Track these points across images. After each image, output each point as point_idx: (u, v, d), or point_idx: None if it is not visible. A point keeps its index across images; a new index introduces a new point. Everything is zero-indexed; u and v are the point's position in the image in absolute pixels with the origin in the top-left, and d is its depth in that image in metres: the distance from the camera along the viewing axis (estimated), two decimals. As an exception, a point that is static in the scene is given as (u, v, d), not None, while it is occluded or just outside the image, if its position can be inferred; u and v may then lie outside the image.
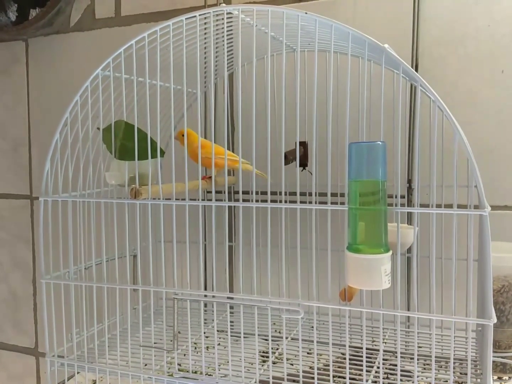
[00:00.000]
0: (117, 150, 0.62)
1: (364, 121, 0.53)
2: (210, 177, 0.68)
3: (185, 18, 0.56)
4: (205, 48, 0.66)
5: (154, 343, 0.65)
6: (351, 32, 0.50)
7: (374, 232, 0.49)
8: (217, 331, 0.62)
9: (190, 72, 0.60)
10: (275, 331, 0.77)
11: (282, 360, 0.67)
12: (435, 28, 0.77)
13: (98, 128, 0.63)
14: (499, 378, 0.64)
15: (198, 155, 0.58)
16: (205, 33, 0.60)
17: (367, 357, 0.55)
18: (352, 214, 0.50)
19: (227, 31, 0.60)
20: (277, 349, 0.72)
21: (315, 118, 0.54)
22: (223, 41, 0.66)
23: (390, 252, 0.50)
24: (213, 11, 0.55)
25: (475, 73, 0.76)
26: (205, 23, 0.58)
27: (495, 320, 0.48)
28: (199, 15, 0.55)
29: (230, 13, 0.56)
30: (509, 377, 0.64)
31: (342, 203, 0.53)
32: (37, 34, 1.05)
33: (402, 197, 0.76)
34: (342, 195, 0.71)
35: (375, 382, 0.60)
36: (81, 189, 0.65)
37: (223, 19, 0.56)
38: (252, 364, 0.65)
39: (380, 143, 0.48)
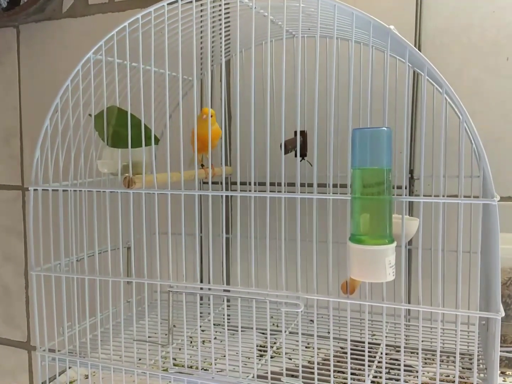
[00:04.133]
0: (109, 137, 0.60)
1: (368, 109, 0.51)
2: (207, 168, 0.66)
3: (181, -1, 0.54)
4: (201, 32, 0.63)
5: (148, 337, 0.64)
6: (355, 13, 0.48)
7: (378, 222, 0.47)
8: (214, 324, 0.60)
9: (186, 58, 0.57)
10: (273, 324, 0.76)
11: (280, 354, 0.66)
12: (439, 16, 0.75)
13: (90, 115, 0.61)
14: (503, 373, 0.63)
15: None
16: (201, 16, 0.58)
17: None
18: (356, 204, 0.48)
19: (225, 13, 0.58)
20: (275, 343, 0.70)
21: (316, 106, 0.51)
22: (220, 25, 0.63)
23: (395, 243, 0.48)
24: (210, -9, 0.53)
25: (479, 62, 0.74)
26: (201, 5, 0.56)
27: (503, 313, 0.47)
28: (196, -5, 0.53)
29: (228, -7, 0.54)
30: (513, 372, 0.63)
31: (342, 194, 0.51)
32: (28, 21, 1.02)
33: (404, 187, 0.74)
34: (342, 186, 0.69)
35: (376, 376, 0.59)
36: (72, 178, 0.63)
37: (220, 0, 0.54)
38: (249, 358, 0.63)
39: (385, 129, 0.46)
